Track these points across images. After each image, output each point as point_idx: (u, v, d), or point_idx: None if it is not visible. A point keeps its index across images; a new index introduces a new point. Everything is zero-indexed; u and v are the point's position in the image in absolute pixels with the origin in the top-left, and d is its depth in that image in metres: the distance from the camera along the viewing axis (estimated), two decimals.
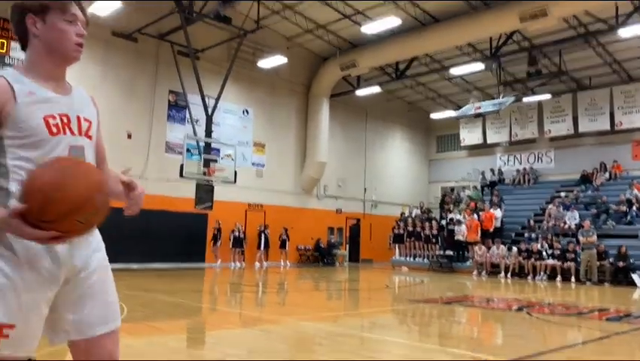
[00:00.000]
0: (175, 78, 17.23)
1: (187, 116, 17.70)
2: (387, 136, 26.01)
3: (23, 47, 1.86)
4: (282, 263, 19.50)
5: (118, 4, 14.80)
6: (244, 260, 18.45)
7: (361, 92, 22.11)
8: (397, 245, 21.11)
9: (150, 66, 17.51)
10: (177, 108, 18.11)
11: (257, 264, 18.58)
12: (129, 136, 16.76)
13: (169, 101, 17.93)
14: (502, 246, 17.76)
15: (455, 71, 19.78)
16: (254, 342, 5.71)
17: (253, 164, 20.24)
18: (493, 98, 21.00)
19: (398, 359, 5.12)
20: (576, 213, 18.42)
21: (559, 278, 15.79)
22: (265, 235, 19.11)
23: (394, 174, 26.04)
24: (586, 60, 19.94)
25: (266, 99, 20.63)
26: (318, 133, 21.61)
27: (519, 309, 8.88)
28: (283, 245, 19.67)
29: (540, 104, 23.05)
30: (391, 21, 16.78)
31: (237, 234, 18.33)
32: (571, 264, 15.79)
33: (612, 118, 21.14)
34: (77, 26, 1.84)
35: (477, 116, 21.34)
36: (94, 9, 14.45)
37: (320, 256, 21.64)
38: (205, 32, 17.65)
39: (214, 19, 16.09)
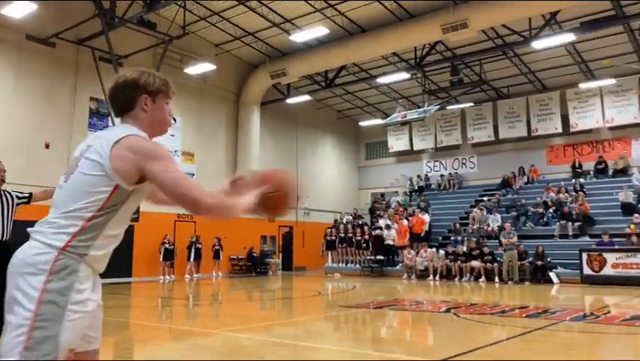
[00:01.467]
0: (97, 85, 16.49)
1: (110, 124, 17.01)
2: (318, 144, 26.22)
3: (119, 114, 2.14)
4: (214, 274, 19.11)
5: (33, 6, 14.00)
6: (174, 273, 17.91)
7: (291, 101, 22.15)
8: (329, 252, 21.25)
9: (70, 72, 16.67)
10: (98, 116, 17.35)
11: (188, 276, 18.10)
12: (47, 146, 15.86)
13: (90, 108, 17.14)
14: (430, 249, 18.32)
15: (382, 80, 20.27)
16: (184, 357, 5.52)
17: None
18: (419, 107, 21.71)
19: None
20: (498, 216, 19.33)
21: (483, 279, 16.47)
22: (196, 246, 18.66)
23: (326, 181, 26.26)
24: (504, 70, 21.04)
25: (194, 107, 20.21)
26: (249, 141, 21.42)
27: (447, 310, 9.16)
28: (217, 255, 19.29)
29: (463, 111, 24.07)
30: (319, 30, 16.97)
31: (167, 246, 17.79)
32: (494, 265, 16.53)
33: (529, 125, 22.41)
34: (169, 107, 2.20)
35: (404, 123, 21.98)
36: (6, 11, 13.61)
37: (253, 266, 21.38)
38: (129, 38, 17.05)
39: (138, 24, 15.59)
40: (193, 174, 20.06)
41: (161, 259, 17.62)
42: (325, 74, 21.13)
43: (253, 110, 21.68)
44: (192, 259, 18.43)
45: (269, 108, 22.51)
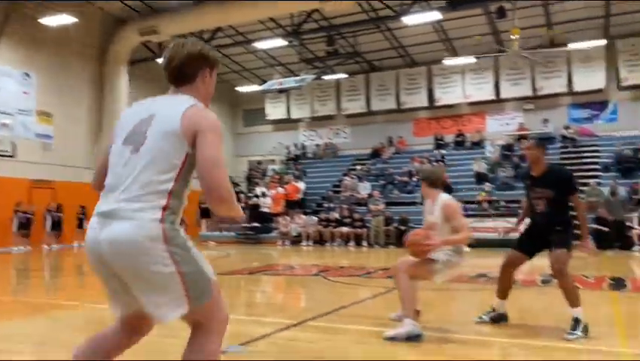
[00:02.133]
0: None
1: None
2: None
3: (178, 84, 2.18)
4: (77, 244, 17.88)
5: None
6: (30, 243, 16.46)
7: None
8: (204, 220, 20.90)
9: None
10: None
11: (46, 247, 16.75)
12: None
13: None
14: (304, 216, 18.77)
15: (259, 45, 20.00)
16: (43, 333, 5.13)
17: (38, 135, 17.97)
18: (296, 75, 21.81)
19: None
20: (368, 184, 20.30)
21: (352, 243, 17.28)
22: (55, 214, 17.28)
23: None
24: (377, 44, 21.80)
25: (53, 63, 18.38)
26: (116, 102, 20.00)
27: (317, 274, 9.49)
28: (80, 225, 18.00)
29: (338, 82, 24.64)
30: None
31: (22, 215, 16.25)
32: (364, 230, 17.40)
33: (398, 98, 23.58)
34: None
35: (281, 91, 21.98)
36: None
37: None
38: None
39: None
40: (51, 137, 18.40)
41: (14, 229, 16.09)
42: (200, 35, 20.32)
43: (120, 70, 20.27)
44: (49, 229, 17.05)
45: (138, 68, 21.17)
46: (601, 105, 20.98)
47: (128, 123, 2.13)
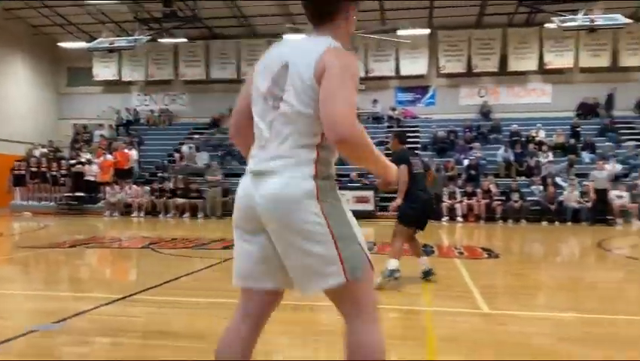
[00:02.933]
0: None
1: None
2: (5, 62, 22.27)
3: (318, 22, 1.92)
4: None
5: None
6: None
7: None
8: (18, 188, 18.73)
9: None
10: None
11: None
12: None
13: None
14: (135, 186, 17.82)
15: None
16: None
17: None
18: (129, 35, 20.35)
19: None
20: (205, 154, 19.91)
21: (187, 215, 16.90)
22: None
23: (15, 107, 22.63)
24: (218, 10, 21.20)
25: None
26: None
27: (147, 246, 9.12)
28: None
29: (176, 46, 23.54)
30: None
31: None
32: (200, 201, 17.09)
33: (239, 68, 23.30)
34: None
35: (112, 51, 20.36)
36: None
37: None
38: None
39: None
40: None
41: None
42: None
43: None
44: None
45: None
46: (423, 90, 23.10)
47: (266, 74, 1.93)
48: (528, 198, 16.28)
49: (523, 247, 10.86)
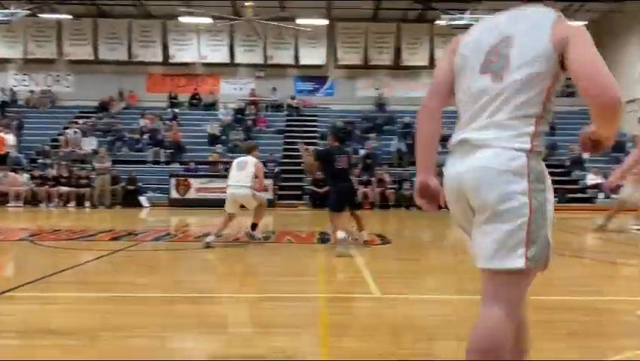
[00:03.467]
0: None
1: None
2: None
3: None
4: None
5: None
6: None
7: None
8: None
9: None
10: None
11: None
12: None
13: None
14: (13, 173, 16.34)
15: None
16: None
17: None
18: (4, 8, 18.52)
19: None
20: (93, 140, 18.71)
21: (72, 204, 15.81)
22: None
23: None
24: None
25: None
26: None
27: (26, 238, 8.40)
28: None
29: (59, 23, 21.80)
30: None
31: None
32: (87, 189, 16.05)
33: (130, 49, 22.10)
34: None
35: None
36: None
37: None
38: None
39: None
40: None
41: None
42: None
43: None
44: None
45: None
46: (322, 80, 23.39)
47: (479, 48, 1.88)
48: None
49: (414, 233, 11.42)
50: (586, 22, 21.66)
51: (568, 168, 18.63)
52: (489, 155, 1.77)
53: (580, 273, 6.40)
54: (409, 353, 3.11)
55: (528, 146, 1.76)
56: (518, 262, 1.75)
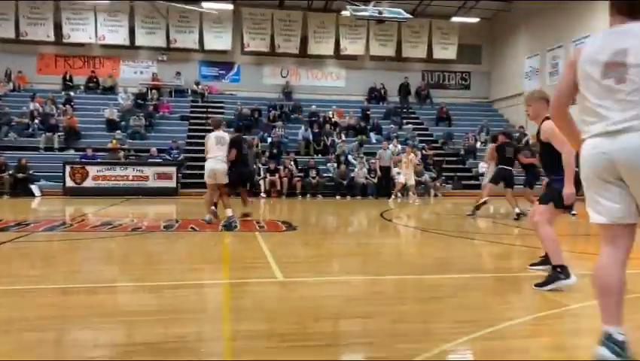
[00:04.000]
0: None
1: None
2: None
3: (634, 14, 2.40)
4: None
5: None
6: None
7: None
8: None
9: None
10: None
11: None
12: None
13: None
14: None
15: None
16: None
17: None
18: None
19: None
20: None
21: None
22: None
23: None
24: None
25: None
26: None
27: None
28: None
29: None
30: None
31: None
32: None
33: (17, 27, 20.39)
34: None
35: None
36: None
37: None
38: None
39: None
40: None
41: None
42: None
43: None
44: None
45: None
46: (228, 66, 23.01)
47: (597, 59, 2.42)
48: (324, 175, 17.46)
49: (319, 219, 11.65)
50: (479, 19, 23.15)
51: (463, 156, 19.81)
52: (638, 137, 2.32)
53: (472, 252, 6.89)
54: (311, 333, 3.21)
55: None
56: None
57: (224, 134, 8.69)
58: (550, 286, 4.27)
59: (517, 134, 18.66)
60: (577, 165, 2.85)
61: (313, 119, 20.55)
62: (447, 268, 5.51)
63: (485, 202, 10.48)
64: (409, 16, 18.53)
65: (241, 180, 9.52)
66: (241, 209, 9.66)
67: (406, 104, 22.94)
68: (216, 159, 8.33)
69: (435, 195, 16.95)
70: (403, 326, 3.39)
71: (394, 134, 20.13)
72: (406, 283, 4.87)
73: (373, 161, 17.63)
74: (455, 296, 4.26)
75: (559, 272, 4.28)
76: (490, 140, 11.70)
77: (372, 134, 20.61)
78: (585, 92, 2.50)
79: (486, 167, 11.13)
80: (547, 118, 4.28)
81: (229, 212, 8.28)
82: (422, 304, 4.05)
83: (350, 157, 18.37)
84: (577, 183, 4.23)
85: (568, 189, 4.22)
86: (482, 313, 3.72)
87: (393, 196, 15.86)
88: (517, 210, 10.02)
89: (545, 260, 4.80)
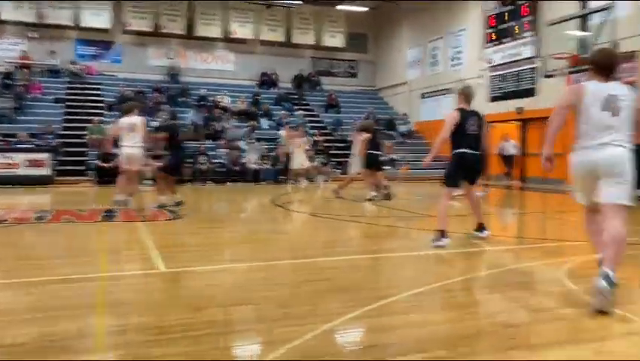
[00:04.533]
0: None
1: None
2: None
3: (611, 74, 3.81)
4: None
5: None
6: None
7: None
8: None
9: None
10: None
11: None
12: None
13: None
14: None
15: None
16: None
17: None
18: None
19: None
20: None
21: None
22: None
23: None
24: None
25: None
26: None
27: None
28: None
29: None
30: None
31: None
32: None
33: None
34: None
35: None
36: None
37: None
38: None
39: None
40: None
41: None
42: None
43: None
44: None
45: None
46: (107, 45, 21.60)
47: (596, 99, 3.60)
48: (214, 161, 17.08)
49: (208, 207, 11.38)
50: (366, 9, 23.79)
51: (351, 142, 20.31)
52: (619, 150, 3.55)
53: (359, 234, 7.11)
54: (192, 323, 3.10)
55: (627, 145, 3.59)
56: (628, 201, 3.56)
57: (136, 120, 8.66)
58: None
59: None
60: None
61: (202, 103, 19.96)
62: (336, 251, 5.63)
63: (387, 186, 11.05)
64: (298, 2, 18.60)
65: (180, 165, 10.11)
66: (161, 199, 9.22)
67: (300, 95, 22.98)
68: (131, 145, 8.51)
69: (325, 181, 17.29)
70: (287, 309, 3.40)
71: (285, 120, 20.18)
72: (293, 267, 4.91)
73: (266, 147, 17.57)
74: (341, 278, 4.37)
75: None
76: (358, 128, 12.35)
77: (263, 120, 20.49)
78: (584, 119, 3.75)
79: (355, 154, 11.57)
80: None
81: (162, 198, 9.04)
82: (308, 286, 4.10)
83: (241, 143, 18.12)
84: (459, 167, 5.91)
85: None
86: (364, 292, 3.84)
87: (291, 182, 15.97)
88: (373, 193, 10.76)
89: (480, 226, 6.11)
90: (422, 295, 3.80)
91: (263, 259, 5.25)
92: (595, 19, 13.78)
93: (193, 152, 16.96)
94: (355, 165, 11.53)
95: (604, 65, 3.74)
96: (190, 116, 18.86)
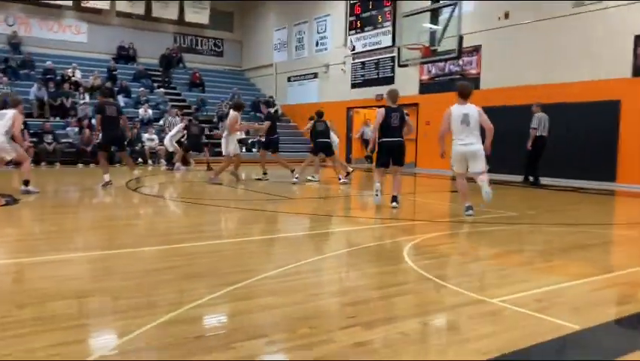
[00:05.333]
0: None
1: None
2: None
3: (466, 98, 7.00)
4: None
5: None
6: None
7: None
8: None
9: None
10: None
11: None
12: None
13: None
14: None
15: None
16: None
17: None
18: None
19: None
20: None
21: None
22: None
23: None
24: None
25: None
26: None
27: None
28: None
29: None
30: None
31: None
32: None
33: None
34: None
35: None
36: None
37: None
38: None
39: None
40: None
41: None
42: None
43: None
44: None
45: None
46: None
47: (457, 116, 6.70)
48: (63, 140, 15.66)
49: (50, 191, 10.38)
50: None
51: (216, 123, 19.87)
52: (478, 146, 6.72)
53: (222, 219, 6.92)
54: (11, 322, 2.75)
55: (480, 142, 6.83)
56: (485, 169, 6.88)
57: (7, 111, 8.33)
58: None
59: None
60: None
61: (49, 76, 18.13)
62: (194, 237, 5.41)
63: (349, 173, 11.70)
64: None
65: (111, 144, 10.18)
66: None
67: (168, 78, 21.75)
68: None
69: (187, 163, 16.66)
70: (123, 301, 3.16)
71: (145, 97, 19.09)
72: (139, 255, 4.61)
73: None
74: (195, 264, 4.19)
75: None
76: (230, 108, 12.30)
77: (120, 97, 19.16)
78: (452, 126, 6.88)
79: (226, 135, 11.03)
80: None
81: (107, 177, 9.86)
82: (157, 275, 3.86)
83: (94, 121, 16.76)
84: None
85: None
86: (214, 278, 3.71)
87: (178, 165, 15.10)
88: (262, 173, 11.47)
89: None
90: (270, 279, 3.76)
91: (103, 247, 4.89)
92: (444, 14, 14.82)
93: (36, 130, 15.40)
94: (232, 144, 10.92)
95: (462, 94, 6.76)
96: (33, 90, 17.02)
